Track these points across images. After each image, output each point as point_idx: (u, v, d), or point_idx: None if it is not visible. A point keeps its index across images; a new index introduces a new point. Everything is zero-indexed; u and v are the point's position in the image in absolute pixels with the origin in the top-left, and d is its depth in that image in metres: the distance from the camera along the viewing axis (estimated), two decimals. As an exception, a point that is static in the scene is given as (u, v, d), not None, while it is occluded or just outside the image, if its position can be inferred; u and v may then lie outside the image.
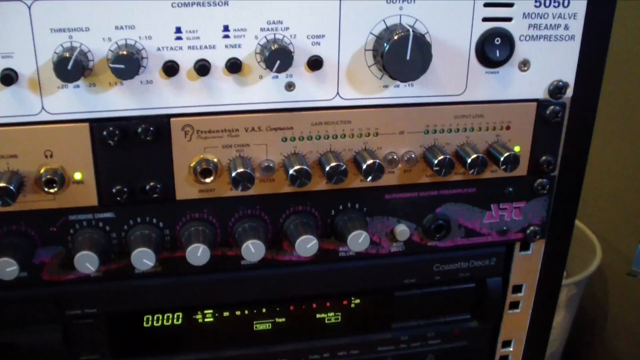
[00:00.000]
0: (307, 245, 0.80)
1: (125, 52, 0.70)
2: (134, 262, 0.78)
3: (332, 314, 0.94)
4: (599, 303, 2.03)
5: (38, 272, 0.82)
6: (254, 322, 0.92)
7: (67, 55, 0.69)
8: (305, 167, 0.76)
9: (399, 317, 0.95)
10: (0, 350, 0.87)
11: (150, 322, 0.90)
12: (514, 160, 0.82)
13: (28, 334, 0.87)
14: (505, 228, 0.90)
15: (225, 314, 0.91)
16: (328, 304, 0.93)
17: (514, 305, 0.98)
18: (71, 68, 0.69)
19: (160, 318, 0.90)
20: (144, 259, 0.78)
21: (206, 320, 0.91)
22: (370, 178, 0.78)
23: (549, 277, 0.97)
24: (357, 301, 0.93)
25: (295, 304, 0.92)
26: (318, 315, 0.93)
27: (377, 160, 0.78)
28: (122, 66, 0.70)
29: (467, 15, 0.78)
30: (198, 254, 0.78)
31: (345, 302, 0.93)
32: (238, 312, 0.91)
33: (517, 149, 0.85)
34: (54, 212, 0.79)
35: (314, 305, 0.93)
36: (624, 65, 1.73)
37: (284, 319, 0.93)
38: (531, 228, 0.91)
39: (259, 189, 0.80)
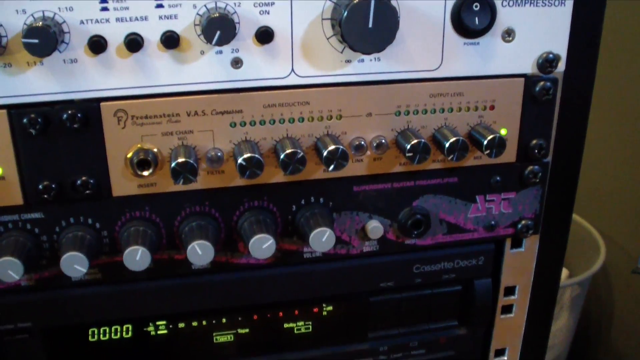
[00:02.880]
0: (262, 245, 0.70)
1: (39, 25, 0.60)
2: (63, 268, 0.68)
3: (301, 323, 0.84)
4: (603, 302, 1.94)
5: (-42, 283, 0.72)
6: (214, 334, 0.83)
7: (-28, 29, 0.59)
8: (256, 155, 0.66)
9: (376, 326, 0.86)
10: None
11: (96, 336, 0.80)
12: (499, 144, 0.72)
13: (-45, 353, 0.77)
14: (493, 223, 0.80)
15: (181, 325, 0.81)
16: (296, 312, 0.83)
17: (507, 309, 0.88)
18: (-32, 44, 0.59)
19: (107, 331, 0.80)
20: (75, 264, 0.68)
21: (159, 332, 0.81)
22: (332, 167, 0.68)
23: (545, 277, 0.87)
24: (329, 308, 0.83)
25: (259, 312, 0.82)
26: (286, 325, 0.84)
27: (341, 146, 0.68)
28: (36, 40, 0.61)
29: (440, -24, 0.67)
30: (137, 257, 0.68)
31: (315, 310, 0.83)
32: (195, 323, 0.81)
33: (503, 131, 0.76)
34: (-27, 213, 0.69)
35: (281, 314, 0.83)
36: (624, 32, 1.62)
37: (247, 330, 0.83)
38: (523, 222, 0.81)
39: (207, 182, 0.70)
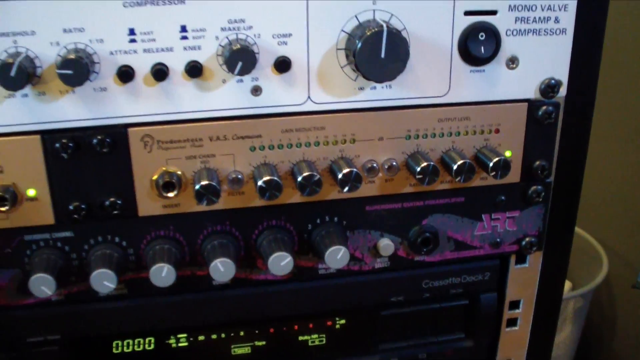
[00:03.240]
0: (280, 262, 0.74)
1: (72, 56, 0.64)
2: (93, 284, 0.72)
3: (315, 335, 0.88)
4: (606, 314, 1.97)
5: (-7, 298, 0.76)
6: (232, 346, 0.86)
7: (10, 61, 0.63)
8: (275, 177, 0.70)
9: (386, 338, 0.90)
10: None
11: (120, 348, 0.84)
12: (504, 166, 0.76)
13: (-16, 364, 0.81)
14: (498, 240, 0.84)
15: (200, 337, 0.85)
16: (311, 325, 0.87)
17: (512, 322, 0.92)
18: (15, 75, 0.64)
19: (131, 343, 0.84)
20: (104, 281, 0.72)
21: (180, 344, 0.85)
22: (347, 189, 0.72)
23: (548, 291, 0.91)
24: (342, 321, 0.87)
25: (276, 325, 0.86)
26: (300, 337, 0.88)
27: (354, 169, 0.72)
28: (70, 72, 0.65)
29: (448, 9, 0.72)
30: (162, 274, 0.72)
31: (329, 323, 0.87)
32: (214, 336, 0.85)
33: (507, 153, 0.79)
34: (8, 231, 0.74)
35: (296, 327, 0.87)
36: (621, 59, 1.66)
37: (264, 342, 0.87)
38: (527, 239, 0.85)
39: (228, 202, 0.74)
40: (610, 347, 1.99)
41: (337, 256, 0.75)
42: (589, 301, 1.81)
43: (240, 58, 0.67)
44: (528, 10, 0.74)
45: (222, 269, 0.73)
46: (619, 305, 1.93)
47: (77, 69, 0.65)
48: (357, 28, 0.70)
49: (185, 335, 0.85)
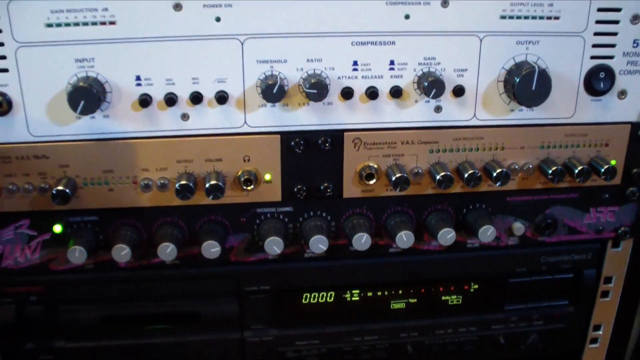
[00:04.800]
0: (447, 236, 0.99)
1: (318, 80, 0.90)
2: (311, 247, 0.98)
3: (454, 296, 1.13)
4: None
5: (227, 254, 1.02)
6: (391, 302, 1.12)
7: (271, 82, 0.90)
8: (449, 173, 0.96)
9: (510, 301, 1.14)
10: (186, 317, 1.07)
11: (307, 299, 1.10)
12: (611, 172, 1.00)
13: (211, 305, 1.07)
14: (600, 228, 1.09)
15: (369, 294, 1.11)
16: (452, 288, 1.12)
17: (605, 294, 1.16)
18: (276, 92, 0.90)
19: (316, 296, 1.10)
20: (319, 244, 0.98)
21: (353, 299, 1.11)
22: (499, 183, 0.98)
23: (635, 271, 1.15)
24: (476, 286, 1.13)
25: (426, 287, 1.12)
26: (443, 297, 1.13)
27: (505, 169, 0.97)
28: (315, 91, 0.91)
29: (579, 54, 0.97)
30: (362, 241, 0.98)
31: (466, 287, 1.13)
32: (379, 293, 1.11)
33: (613, 162, 1.03)
34: (246, 205, 1.00)
35: (441, 289, 1.12)
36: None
37: (415, 300, 1.12)
38: (622, 229, 1.10)
39: (407, 190, 1.00)
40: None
41: (487, 233, 1.00)
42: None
43: (435, 87, 0.93)
44: (637, 55, 0.99)
45: (405, 239, 0.99)
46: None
47: (321, 89, 0.91)
48: (514, 66, 0.95)
49: (358, 291, 1.11)
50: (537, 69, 0.92)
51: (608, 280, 1.14)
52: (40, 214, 0.96)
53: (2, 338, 1.03)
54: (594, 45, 0.96)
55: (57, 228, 0.98)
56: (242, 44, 0.90)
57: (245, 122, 0.94)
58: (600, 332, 1.18)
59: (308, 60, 0.92)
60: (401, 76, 0.94)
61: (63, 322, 1.04)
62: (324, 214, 1.01)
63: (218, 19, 0.88)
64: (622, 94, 1.00)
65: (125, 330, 1.06)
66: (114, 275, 1.02)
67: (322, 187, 0.98)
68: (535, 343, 1.15)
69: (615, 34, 0.95)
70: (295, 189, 0.98)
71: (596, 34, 0.94)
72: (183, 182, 0.91)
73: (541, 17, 0.93)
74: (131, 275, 1.03)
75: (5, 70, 0.88)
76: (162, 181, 0.94)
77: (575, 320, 1.17)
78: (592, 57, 0.97)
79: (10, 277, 1.00)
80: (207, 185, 0.92)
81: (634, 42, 0.97)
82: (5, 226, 0.97)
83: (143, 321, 1.06)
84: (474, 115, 0.97)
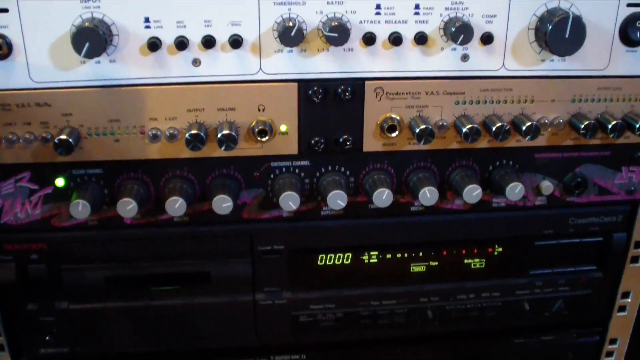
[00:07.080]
0: (472, 193, 0.94)
1: (339, 23, 0.85)
2: (329, 202, 0.92)
3: (477, 260, 1.08)
4: None
5: (239, 211, 0.98)
6: (411, 264, 1.07)
7: (290, 24, 0.84)
8: (476, 125, 0.91)
9: (535, 265, 1.09)
10: (198, 277, 1.03)
11: (323, 261, 1.05)
12: (646, 128, 0.95)
13: (223, 265, 1.02)
14: (632, 188, 1.04)
15: (388, 255, 1.06)
16: (475, 251, 1.07)
17: (635, 259, 1.11)
18: (295, 34, 0.85)
19: (333, 257, 1.05)
20: (338, 199, 0.93)
21: (371, 261, 1.06)
22: (528, 137, 0.92)
23: (667, 235, 1.10)
24: (500, 249, 1.08)
25: (448, 249, 1.07)
26: (465, 261, 1.08)
27: (535, 122, 0.92)
28: (336, 35, 0.85)
29: (615, 1, 0.91)
30: (383, 197, 0.93)
31: (490, 250, 1.07)
32: (399, 255, 1.06)
33: (648, 118, 0.98)
34: (259, 158, 0.95)
35: (463, 252, 1.07)
36: None
37: (436, 263, 1.07)
38: (655, 189, 1.04)
39: (431, 144, 0.94)
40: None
41: (515, 190, 0.95)
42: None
43: (463, 32, 0.87)
44: (677, 4, 0.94)
45: (428, 195, 0.94)
46: None
47: (342, 33, 0.85)
48: (546, 13, 0.90)
49: (376, 252, 1.06)
50: (571, 15, 0.86)
51: (638, 245, 1.09)
52: (42, 166, 0.91)
53: (1, 298, 0.99)
54: (632, -8, 0.90)
55: (60, 181, 0.93)
56: (258, -17, 0.84)
57: (260, 68, 0.89)
58: (629, 300, 1.14)
59: (328, 3, 0.87)
60: (427, 21, 0.89)
61: (66, 283, 1.00)
62: (343, 169, 0.96)
63: (233, -43, 0.83)
64: (660, 44, 0.94)
65: (131, 292, 1.02)
66: (120, 232, 0.98)
67: (341, 140, 0.93)
68: (560, 310, 1.11)
69: (655, -21, 0.89)
70: (313, 142, 0.93)
71: (635, -21, 0.89)
72: (194, 131, 0.87)
73: (576, -40, 0.87)
74: (137, 232, 0.98)
75: (5, 11, 0.83)
76: (171, 131, 0.89)
77: (603, 287, 1.12)
78: (629, 5, 0.92)
79: (10, 234, 0.96)
80: (219, 136, 0.87)
81: (674, -11, 0.91)
82: (5, 179, 0.92)
83: (150, 282, 1.02)
84: (503, 65, 0.92)
